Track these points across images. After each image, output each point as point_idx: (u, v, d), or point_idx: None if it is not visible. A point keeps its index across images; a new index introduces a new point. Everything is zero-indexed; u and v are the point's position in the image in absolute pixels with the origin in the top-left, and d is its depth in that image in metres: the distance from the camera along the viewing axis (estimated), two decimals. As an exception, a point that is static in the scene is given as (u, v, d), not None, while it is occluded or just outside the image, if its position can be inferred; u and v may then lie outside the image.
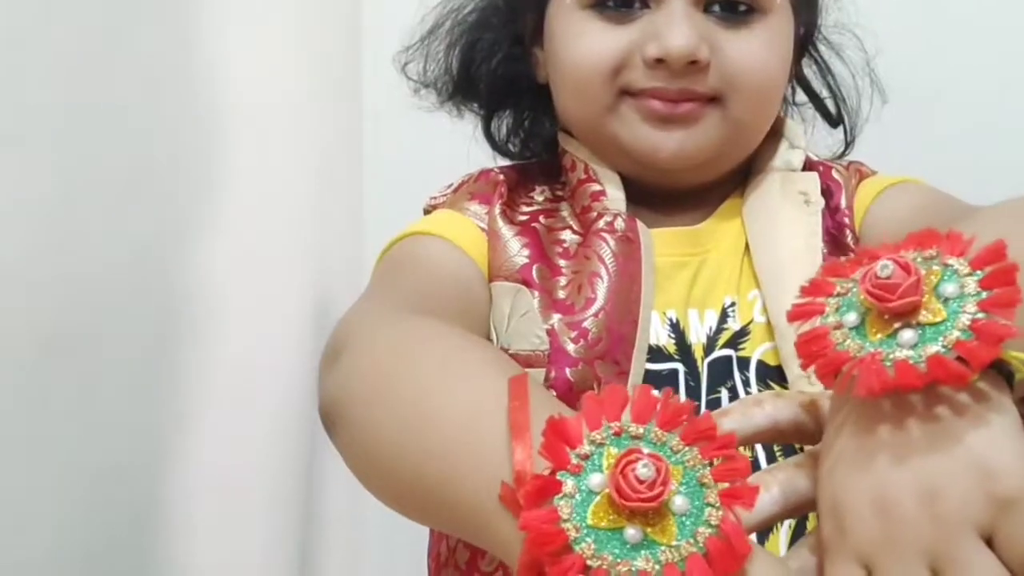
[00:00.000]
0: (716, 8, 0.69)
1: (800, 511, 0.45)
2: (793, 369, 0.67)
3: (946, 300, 0.41)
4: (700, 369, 0.69)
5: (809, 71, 0.80)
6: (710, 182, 0.74)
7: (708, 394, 0.68)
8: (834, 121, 0.81)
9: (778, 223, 0.71)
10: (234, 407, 1.00)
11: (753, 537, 0.41)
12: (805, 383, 0.64)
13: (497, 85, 0.78)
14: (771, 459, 0.64)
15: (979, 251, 0.42)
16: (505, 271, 0.72)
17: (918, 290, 0.41)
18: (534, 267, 0.71)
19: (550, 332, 0.67)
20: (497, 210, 0.73)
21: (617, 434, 0.39)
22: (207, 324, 0.94)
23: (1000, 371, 0.41)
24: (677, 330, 0.71)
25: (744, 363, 0.71)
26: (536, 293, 0.70)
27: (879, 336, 0.41)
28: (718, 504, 0.39)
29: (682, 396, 0.68)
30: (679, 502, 0.38)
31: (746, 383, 0.70)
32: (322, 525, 1.19)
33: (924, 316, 0.41)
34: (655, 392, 0.41)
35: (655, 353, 0.69)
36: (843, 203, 0.74)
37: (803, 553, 0.44)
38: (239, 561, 1.03)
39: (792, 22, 0.72)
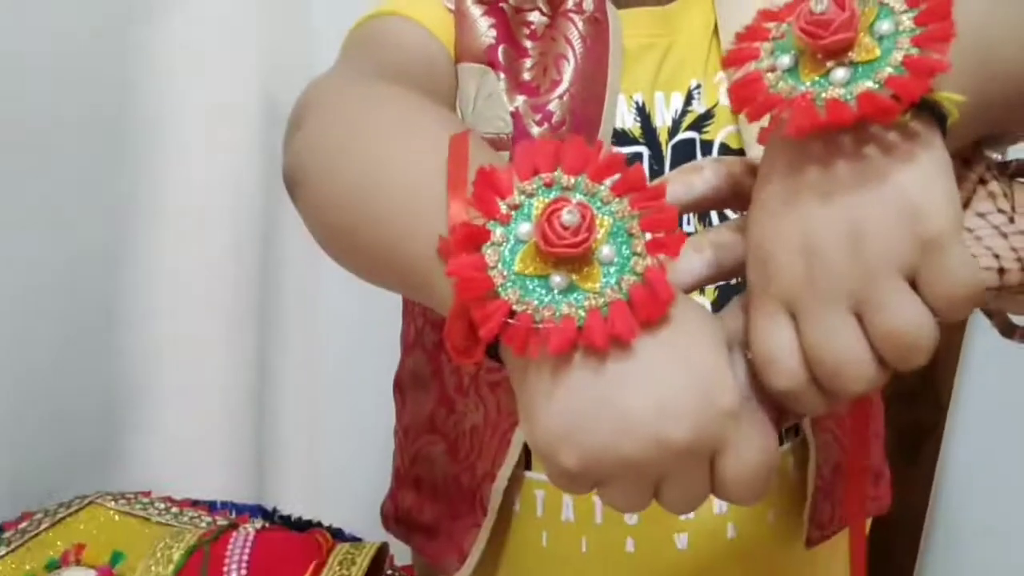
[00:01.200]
0: None
1: (734, 273, 0.45)
2: (755, 151, 0.65)
3: (881, 38, 0.39)
4: (664, 152, 0.68)
5: None
6: None
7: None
8: None
9: (749, 2, 0.68)
10: (188, 199, 1.01)
11: None
12: None
13: None
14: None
15: None
16: (471, 52, 0.69)
17: (852, 26, 0.39)
18: (500, 48, 0.69)
19: (515, 115, 0.66)
20: None
21: (548, 184, 0.39)
22: (163, 111, 0.96)
23: (934, 114, 0.40)
24: (643, 113, 0.69)
25: (707, 146, 0.69)
26: (501, 75, 0.68)
27: (812, 76, 0.39)
28: (644, 253, 0.38)
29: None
30: (606, 251, 0.37)
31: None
32: (281, 324, 1.19)
33: (857, 54, 0.39)
34: (587, 144, 0.40)
35: (620, 136, 0.68)
36: None
37: (736, 310, 0.44)
38: (193, 374, 1.05)
39: None
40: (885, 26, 0.39)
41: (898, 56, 0.38)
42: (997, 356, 0.93)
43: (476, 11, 0.70)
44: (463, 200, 0.39)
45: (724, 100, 0.68)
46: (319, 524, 0.77)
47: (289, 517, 0.80)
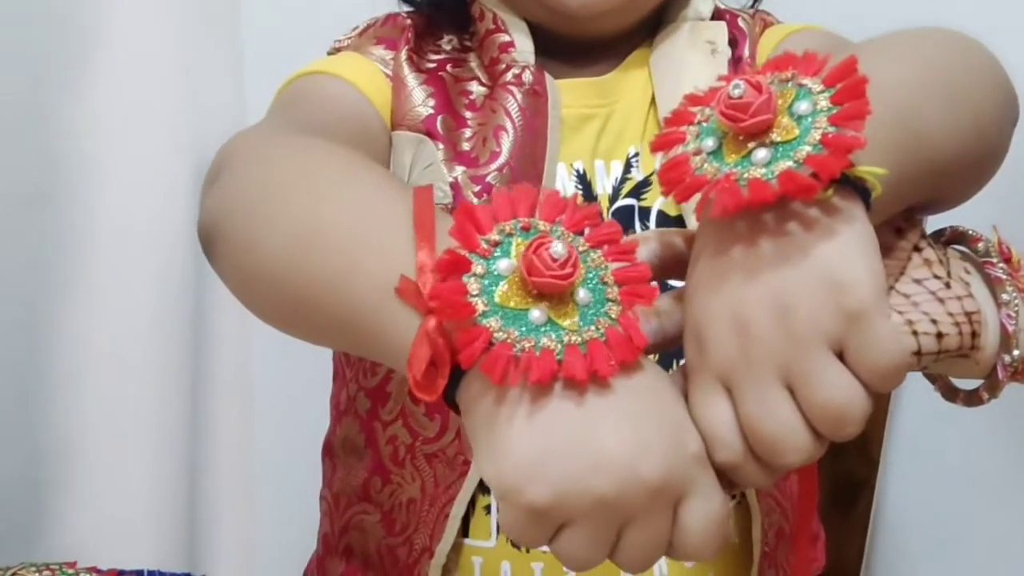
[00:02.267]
0: None
1: (677, 342, 0.46)
2: (692, 220, 0.68)
3: (800, 118, 0.41)
4: (605, 218, 0.69)
5: None
6: (620, 32, 0.74)
7: None
8: None
9: (684, 72, 0.72)
10: (116, 265, 1.01)
11: None
12: None
13: None
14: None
15: (832, 68, 0.42)
16: (408, 120, 0.72)
17: (770, 108, 0.41)
18: (439, 118, 0.71)
19: (453, 185, 0.68)
20: (403, 56, 0.73)
21: (525, 228, 0.41)
22: (87, 178, 0.97)
23: (857, 189, 0.41)
24: (584, 181, 0.72)
25: (645, 213, 0.72)
26: (440, 145, 0.70)
27: (735, 157, 0.41)
28: (618, 300, 0.40)
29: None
30: (582, 294, 0.39)
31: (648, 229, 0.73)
32: (212, 386, 1.19)
33: (777, 134, 0.41)
34: (563, 196, 0.43)
35: None
36: (747, 52, 0.75)
37: (678, 378, 0.45)
38: (125, 430, 1.04)
39: None
40: (803, 106, 0.41)
41: (816, 135, 0.40)
42: (926, 406, 0.96)
43: (414, 80, 0.73)
44: (431, 244, 0.41)
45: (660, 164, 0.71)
46: None
47: None
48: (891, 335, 0.40)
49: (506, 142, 0.70)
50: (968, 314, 0.44)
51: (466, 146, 0.70)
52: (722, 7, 0.77)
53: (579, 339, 0.39)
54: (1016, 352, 0.45)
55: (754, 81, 0.41)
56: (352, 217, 0.46)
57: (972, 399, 0.48)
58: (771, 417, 0.40)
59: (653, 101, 0.73)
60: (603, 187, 0.71)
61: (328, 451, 0.80)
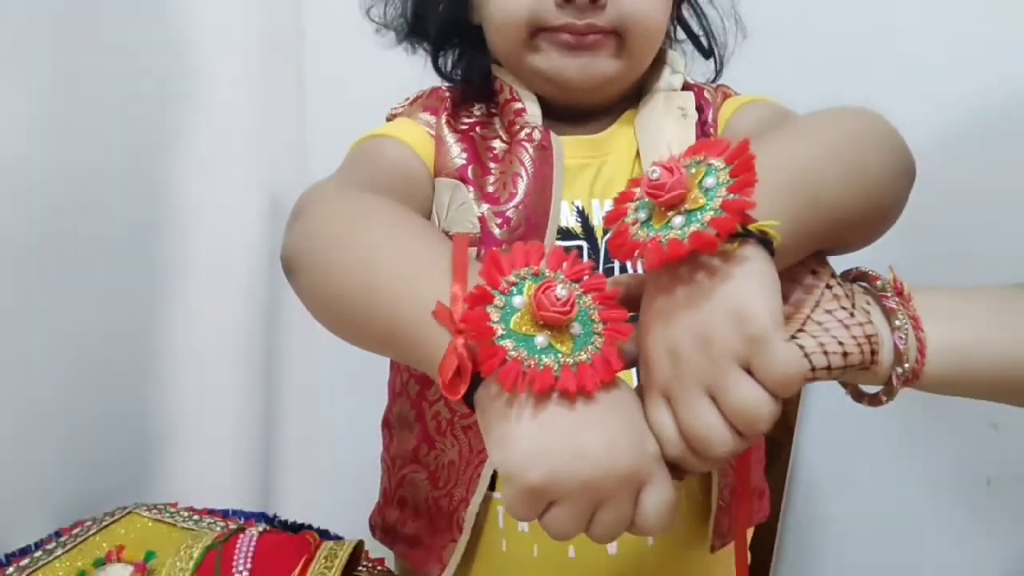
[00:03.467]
0: None
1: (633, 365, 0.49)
2: None
3: (707, 190, 0.43)
4: (600, 245, 0.72)
5: (687, 14, 0.81)
6: (609, 100, 0.76)
7: (604, 264, 0.72)
8: (707, 53, 0.81)
9: (661, 133, 0.74)
10: (207, 285, 1.03)
11: None
12: None
13: (442, 27, 0.78)
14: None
15: (731, 150, 0.44)
16: (446, 170, 0.73)
17: (682, 184, 0.43)
18: (470, 167, 0.73)
19: (481, 219, 0.69)
20: (443, 120, 0.75)
21: (535, 274, 0.43)
22: (184, 212, 0.98)
23: (760, 240, 0.43)
24: (582, 215, 0.73)
25: None
26: (471, 188, 0.71)
27: (659, 224, 0.44)
28: (602, 334, 0.43)
29: None
30: (576, 328, 0.42)
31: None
32: (280, 379, 1.21)
33: (689, 204, 0.43)
34: (565, 252, 0.45)
35: (565, 233, 0.72)
36: (711, 118, 0.76)
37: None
38: (213, 409, 1.08)
39: None
40: (709, 181, 0.43)
41: (717, 202, 0.42)
42: (834, 386, 0.94)
43: (451, 138, 0.74)
44: (464, 282, 0.43)
45: None
46: (310, 527, 0.76)
47: (286, 522, 0.78)
48: (786, 353, 0.41)
49: (521, 185, 0.71)
50: (868, 337, 0.46)
51: (491, 189, 0.71)
52: (691, 81, 0.79)
53: (572, 361, 0.41)
54: (907, 365, 0.47)
55: (667, 165, 0.44)
56: (402, 256, 0.49)
57: (874, 400, 0.50)
58: (699, 420, 0.42)
59: (638, 154, 0.74)
60: (598, 220, 0.73)
61: (386, 424, 0.81)
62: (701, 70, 0.81)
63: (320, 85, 1.19)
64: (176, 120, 0.94)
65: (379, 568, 0.74)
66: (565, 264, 0.43)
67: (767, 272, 0.43)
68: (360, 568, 0.71)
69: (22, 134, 0.72)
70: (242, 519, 0.78)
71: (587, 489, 0.40)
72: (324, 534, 0.73)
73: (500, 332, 0.41)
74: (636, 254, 0.44)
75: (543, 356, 0.41)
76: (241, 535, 0.68)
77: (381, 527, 0.81)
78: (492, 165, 0.73)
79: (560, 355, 0.41)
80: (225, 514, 0.78)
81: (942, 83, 0.99)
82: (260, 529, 0.70)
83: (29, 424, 0.77)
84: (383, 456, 0.82)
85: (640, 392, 0.46)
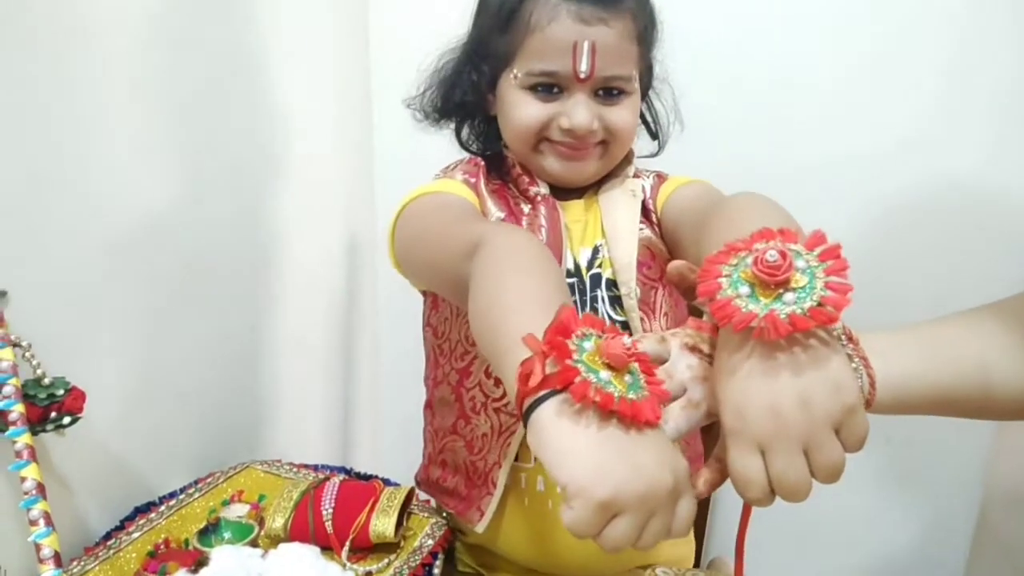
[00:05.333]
0: (601, 93, 0.73)
1: (711, 416, 0.47)
2: (623, 283, 0.75)
3: (801, 271, 0.42)
4: (585, 279, 0.76)
5: (642, 107, 0.84)
6: (591, 183, 0.80)
7: (591, 292, 0.75)
8: (653, 135, 0.85)
9: (617, 208, 0.78)
10: (301, 300, 1.05)
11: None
12: (630, 291, 0.75)
13: (465, 113, 0.81)
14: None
15: (808, 238, 0.44)
16: (491, 217, 0.76)
17: (790, 268, 0.41)
18: (508, 218, 0.76)
19: None
20: (481, 182, 0.78)
21: (599, 335, 0.42)
22: (291, 239, 1.00)
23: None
24: (573, 260, 0.76)
25: (598, 276, 0.76)
26: None
27: (769, 299, 0.41)
28: (648, 389, 0.41)
29: (577, 296, 0.77)
30: (628, 378, 0.41)
31: (604, 288, 0.77)
32: (355, 369, 1.24)
33: (794, 283, 0.41)
34: (607, 322, 0.48)
35: (566, 272, 0.76)
36: (650, 196, 0.80)
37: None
38: (307, 390, 1.10)
39: (639, 92, 0.78)
40: (800, 263, 0.42)
41: (820, 283, 0.41)
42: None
43: (488, 197, 0.77)
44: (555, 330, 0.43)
45: (605, 252, 0.77)
46: (376, 476, 0.76)
47: (359, 473, 0.78)
48: (865, 420, 0.42)
49: (543, 234, 0.74)
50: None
51: None
52: (640, 169, 0.83)
53: (627, 396, 0.40)
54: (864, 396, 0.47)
55: (782, 250, 0.43)
56: (518, 299, 0.48)
57: None
58: (796, 472, 0.40)
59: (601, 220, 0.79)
60: (585, 262, 0.76)
61: (428, 406, 0.86)
62: (644, 143, 0.86)
63: (386, 147, 1.22)
64: (275, 181, 0.94)
65: (427, 506, 0.77)
66: (619, 337, 0.44)
67: (843, 350, 0.44)
68: (413, 506, 0.73)
69: (175, 192, 0.75)
70: (328, 471, 0.79)
71: (645, 500, 0.38)
72: (386, 482, 0.75)
73: (575, 358, 0.40)
74: (754, 324, 0.41)
75: (607, 385, 0.40)
76: (327, 482, 0.70)
77: (425, 482, 0.87)
78: (523, 219, 0.76)
79: (618, 389, 0.40)
80: (315, 468, 0.80)
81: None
82: (341, 478, 0.72)
83: (177, 401, 0.77)
84: (425, 429, 0.87)
85: (720, 438, 0.46)
